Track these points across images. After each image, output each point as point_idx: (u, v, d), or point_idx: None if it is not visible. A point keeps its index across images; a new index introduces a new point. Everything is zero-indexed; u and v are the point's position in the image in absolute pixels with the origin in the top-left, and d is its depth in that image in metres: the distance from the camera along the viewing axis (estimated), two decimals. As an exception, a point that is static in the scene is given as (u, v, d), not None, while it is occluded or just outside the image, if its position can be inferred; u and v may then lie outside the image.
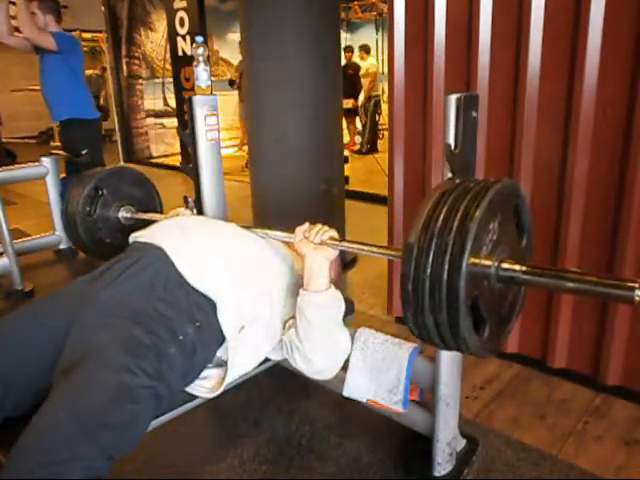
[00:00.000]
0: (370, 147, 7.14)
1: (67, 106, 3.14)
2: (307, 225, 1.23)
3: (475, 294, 0.84)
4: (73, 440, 0.89)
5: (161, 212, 1.90)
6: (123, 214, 1.73)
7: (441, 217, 0.83)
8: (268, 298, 1.28)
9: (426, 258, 0.81)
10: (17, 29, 3.07)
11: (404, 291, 0.85)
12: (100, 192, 1.68)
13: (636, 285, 0.76)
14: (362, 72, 7.17)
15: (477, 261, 0.83)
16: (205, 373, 1.23)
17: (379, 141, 7.40)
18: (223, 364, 1.25)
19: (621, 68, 1.48)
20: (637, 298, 0.75)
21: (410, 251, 0.83)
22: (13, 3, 2.93)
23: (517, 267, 0.88)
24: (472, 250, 0.79)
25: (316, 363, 1.21)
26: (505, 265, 0.88)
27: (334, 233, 1.21)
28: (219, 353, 1.23)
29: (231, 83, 6.86)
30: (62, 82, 3.10)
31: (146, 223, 1.78)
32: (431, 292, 0.81)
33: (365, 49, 7.45)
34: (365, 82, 7.15)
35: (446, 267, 0.79)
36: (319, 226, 1.21)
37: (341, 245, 1.18)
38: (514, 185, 0.94)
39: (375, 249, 1.15)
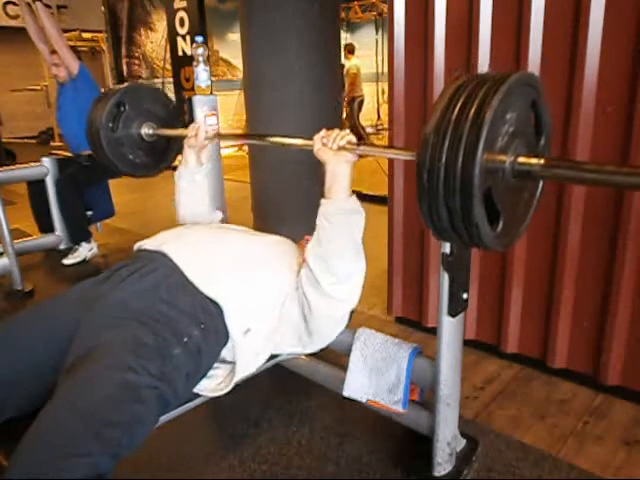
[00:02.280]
0: None
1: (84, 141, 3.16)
2: (324, 131, 1.22)
3: (489, 184, 0.84)
4: (77, 437, 0.89)
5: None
6: (145, 130, 1.75)
7: (458, 106, 0.83)
8: (277, 300, 1.28)
9: (441, 146, 0.82)
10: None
11: (419, 181, 0.85)
12: (122, 108, 1.69)
13: None
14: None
15: (492, 151, 0.83)
16: (210, 372, 1.23)
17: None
18: (228, 364, 1.25)
19: (621, 67, 1.48)
20: None
21: (426, 140, 0.84)
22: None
23: (534, 160, 0.87)
24: (487, 138, 0.79)
25: (339, 267, 1.19)
26: (521, 159, 0.88)
27: (351, 137, 1.19)
28: (223, 353, 1.23)
29: None
30: (77, 116, 3.13)
31: (168, 141, 1.79)
32: (445, 180, 0.82)
33: (349, 49, 7.27)
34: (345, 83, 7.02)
35: (461, 154, 0.80)
36: (336, 131, 1.20)
37: (359, 149, 1.18)
38: (532, 76, 0.94)
39: (391, 151, 1.22)
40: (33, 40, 3.13)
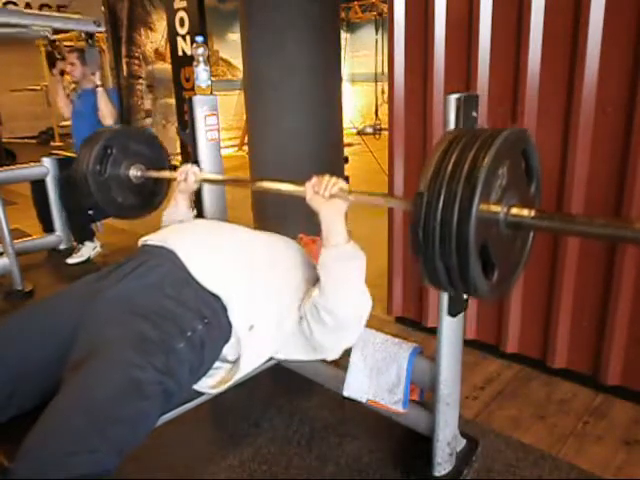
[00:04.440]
0: None
1: None
2: (315, 179, 1.22)
3: (484, 239, 0.85)
4: (83, 433, 0.89)
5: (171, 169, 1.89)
6: (133, 172, 1.75)
7: (450, 165, 0.84)
8: (280, 297, 1.28)
9: (436, 206, 0.83)
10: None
11: (415, 239, 0.86)
12: (109, 151, 1.69)
13: None
14: None
15: (486, 207, 0.84)
16: (211, 371, 1.24)
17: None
18: (228, 361, 1.25)
19: (621, 67, 1.48)
20: None
21: (420, 199, 0.85)
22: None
23: (526, 212, 0.89)
24: (481, 196, 0.80)
25: (342, 315, 1.21)
26: (514, 211, 0.89)
27: (343, 184, 1.20)
28: (225, 351, 1.24)
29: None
30: (94, 124, 3.20)
31: (156, 181, 1.80)
32: (441, 239, 0.83)
33: None
34: None
35: (455, 214, 0.81)
36: (327, 178, 1.20)
37: (351, 196, 1.18)
38: (522, 132, 0.95)
39: (384, 199, 1.19)
40: (60, 107, 3.36)
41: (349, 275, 1.20)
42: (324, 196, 1.18)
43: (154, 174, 1.76)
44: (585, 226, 0.84)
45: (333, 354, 1.32)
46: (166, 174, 1.74)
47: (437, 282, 0.91)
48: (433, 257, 0.85)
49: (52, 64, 3.53)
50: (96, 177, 1.66)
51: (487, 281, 0.88)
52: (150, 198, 1.85)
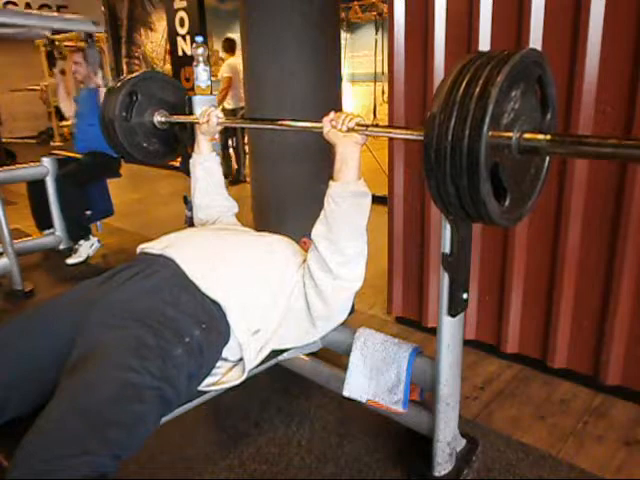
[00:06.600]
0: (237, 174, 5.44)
1: (92, 141, 3.20)
2: (333, 114, 1.24)
3: (495, 161, 0.85)
4: (79, 436, 0.89)
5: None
6: (158, 118, 1.79)
7: (463, 85, 0.83)
8: (282, 297, 1.29)
9: (447, 125, 0.82)
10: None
11: (427, 160, 0.86)
12: (135, 97, 1.73)
13: None
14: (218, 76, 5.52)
15: (498, 128, 0.84)
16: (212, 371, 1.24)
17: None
18: (228, 362, 1.26)
19: (621, 67, 1.48)
20: None
21: (433, 120, 0.84)
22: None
23: (540, 136, 0.88)
24: (493, 115, 0.80)
25: (347, 247, 1.22)
26: (527, 135, 0.89)
27: (360, 119, 1.21)
28: (224, 353, 1.24)
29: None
30: (92, 124, 3.22)
31: (179, 128, 1.83)
32: (452, 159, 0.83)
33: (229, 44, 5.42)
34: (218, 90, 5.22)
35: (467, 132, 0.80)
36: (345, 113, 1.22)
37: (368, 131, 1.19)
38: (537, 53, 0.94)
39: (398, 131, 1.22)
40: (62, 106, 3.52)
41: (354, 210, 1.21)
42: (341, 130, 1.20)
43: (177, 118, 1.79)
44: (599, 147, 0.83)
45: (335, 316, 1.31)
46: (189, 118, 1.77)
47: (448, 205, 0.90)
48: (444, 178, 0.85)
49: (52, 64, 3.59)
50: (122, 123, 1.70)
51: (498, 205, 0.87)
52: (174, 144, 1.89)
